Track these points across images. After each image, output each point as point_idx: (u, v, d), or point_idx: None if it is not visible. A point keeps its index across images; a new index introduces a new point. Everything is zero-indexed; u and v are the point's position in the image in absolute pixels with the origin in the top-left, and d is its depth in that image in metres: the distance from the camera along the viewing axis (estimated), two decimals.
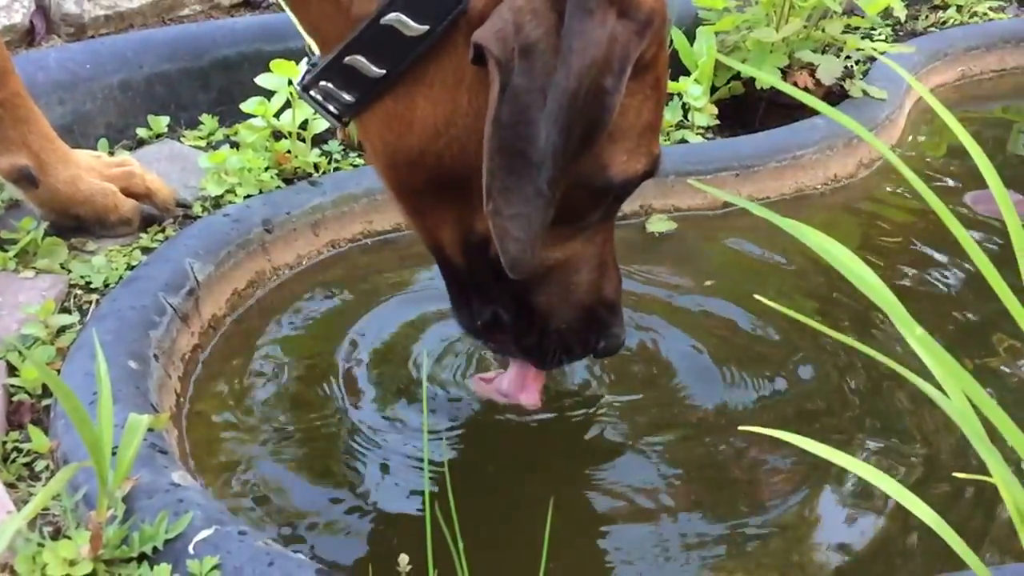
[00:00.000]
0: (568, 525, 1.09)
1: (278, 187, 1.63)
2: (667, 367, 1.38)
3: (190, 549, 0.90)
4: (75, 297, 1.35)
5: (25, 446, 1.08)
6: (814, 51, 2.08)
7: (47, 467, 1.07)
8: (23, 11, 2.04)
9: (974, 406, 0.61)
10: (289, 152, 1.68)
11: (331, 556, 1.07)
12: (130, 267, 1.41)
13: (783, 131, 1.99)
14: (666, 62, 0.99)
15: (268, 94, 1.66)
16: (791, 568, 1.08)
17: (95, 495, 0.91)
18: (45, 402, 1.16)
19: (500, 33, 0.85)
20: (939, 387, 0.63)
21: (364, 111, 0.97)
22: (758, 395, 1.35)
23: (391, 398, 1.30)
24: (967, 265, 1.65)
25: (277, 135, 1.70)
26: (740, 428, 1.02)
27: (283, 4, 1.01)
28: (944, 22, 2.80)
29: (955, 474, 1.14)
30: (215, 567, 0.88)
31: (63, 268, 1.40)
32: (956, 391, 0.63)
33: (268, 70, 1.65)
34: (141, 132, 1.78)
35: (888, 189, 1.99)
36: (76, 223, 1.47)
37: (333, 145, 1.78)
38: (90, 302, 1.34)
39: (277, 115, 1.66)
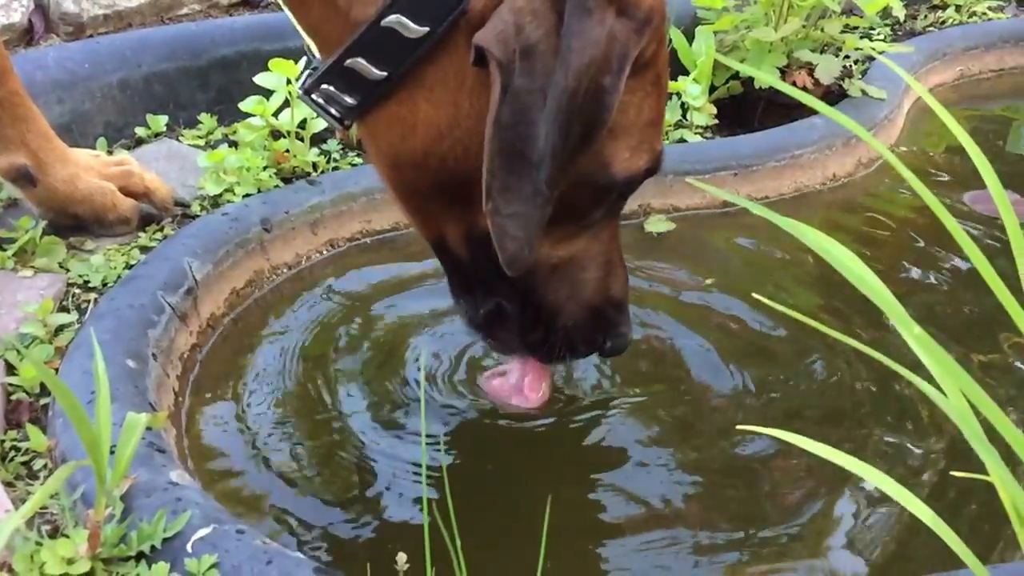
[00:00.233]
0: (568, 526, 1.08)
1: (277, 186, 1.63)
2: (675, 365, 1.37)
3: (188, 548, 0.90)
4: (73, 296, 1.35)
5: (23, 445, 1.08)
6: (813, 51, 2.08)
7: (45, 466, 1.07)
8: (22, 10, 2.04)
9: (972, 406, 0.61)
10: (288, 151, 1.68)
11: (329, 554, 1.07)
12: (128, 266, 1.41)
13: (782, 130, 1.99)
14: (666, 59, 0.99)
15: (267, 93, 1.66)
16: (801, 573, 1.08)
17: (93, 494, 0.91)
18: (43, 401, 1.16)
19: (501, 35, 0.85)
20: (938, 386, 0.63)
21: (366, 114, 0.97)
22: (767, 394, 1.33)
23: (390, 399, 1.29)
24: (968, 263, 1.65)
25: (276, 134, 1.70)
26: (738, 427, 1.02)
27: (283, 5, 1.01)
28: (943, 22, 2.79)
29: (952, 473, 1.14)
30: (213, 566, 0.88)
31: (61, 267, 1.40)
32: (954, 390, 0.63)
33: (267, 69, 1.65)
34: (140, 131, 1.78)
35: (887, 188, 1.99)
36: (74, 222, 1.47)
37: (332, 144, 1.77)
38: (88, 301, 1.34)
39: (276, 114, 1.66)
